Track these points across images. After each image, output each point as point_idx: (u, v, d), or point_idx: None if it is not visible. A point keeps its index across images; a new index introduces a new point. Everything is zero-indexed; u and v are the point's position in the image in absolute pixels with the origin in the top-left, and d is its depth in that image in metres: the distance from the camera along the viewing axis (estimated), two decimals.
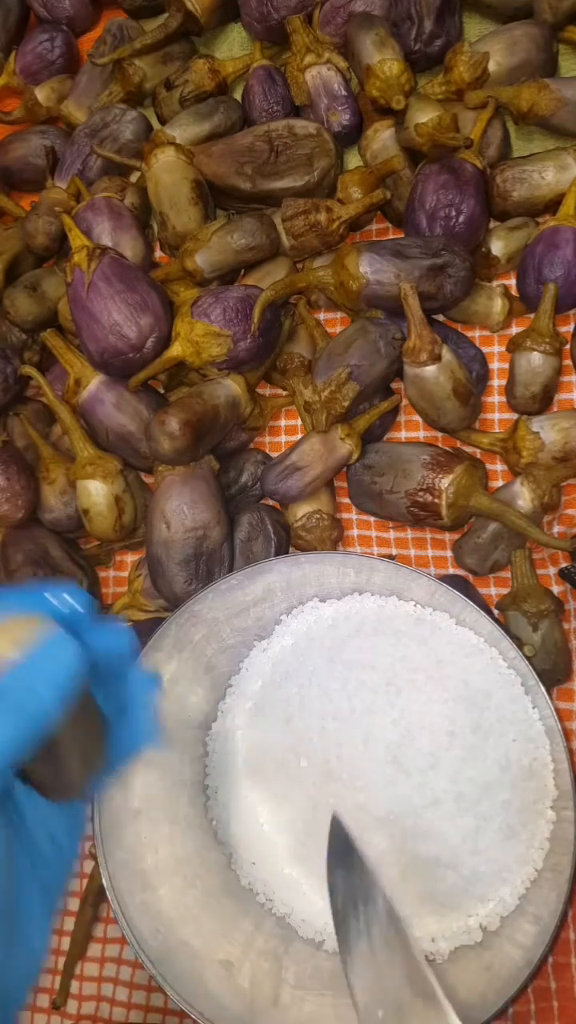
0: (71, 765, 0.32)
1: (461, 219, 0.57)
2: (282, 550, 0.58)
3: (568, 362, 0.57)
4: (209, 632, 0.54)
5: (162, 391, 0.64)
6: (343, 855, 0.42)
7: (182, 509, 0.56)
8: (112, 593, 0.64)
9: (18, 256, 0.70)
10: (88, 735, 0.32)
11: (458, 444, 0.58)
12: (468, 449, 0.58)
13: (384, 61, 0.61)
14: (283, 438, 0.63)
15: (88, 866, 0.57)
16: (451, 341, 0.57)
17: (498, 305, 0.59)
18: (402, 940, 0.39)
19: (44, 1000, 0.56)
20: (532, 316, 0.57)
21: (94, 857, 0.55)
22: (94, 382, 0.60)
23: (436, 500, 0.54)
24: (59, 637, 0.30)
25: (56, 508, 0.62)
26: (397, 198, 0.61)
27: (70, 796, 0.33)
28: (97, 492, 0.59)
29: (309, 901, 0.48)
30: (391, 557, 0.59)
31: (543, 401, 0.56)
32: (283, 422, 0.63)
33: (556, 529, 0.56)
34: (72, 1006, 0.55)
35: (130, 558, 0.65)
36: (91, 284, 0.57)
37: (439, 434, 0.59)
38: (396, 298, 0.54)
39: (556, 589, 0.55)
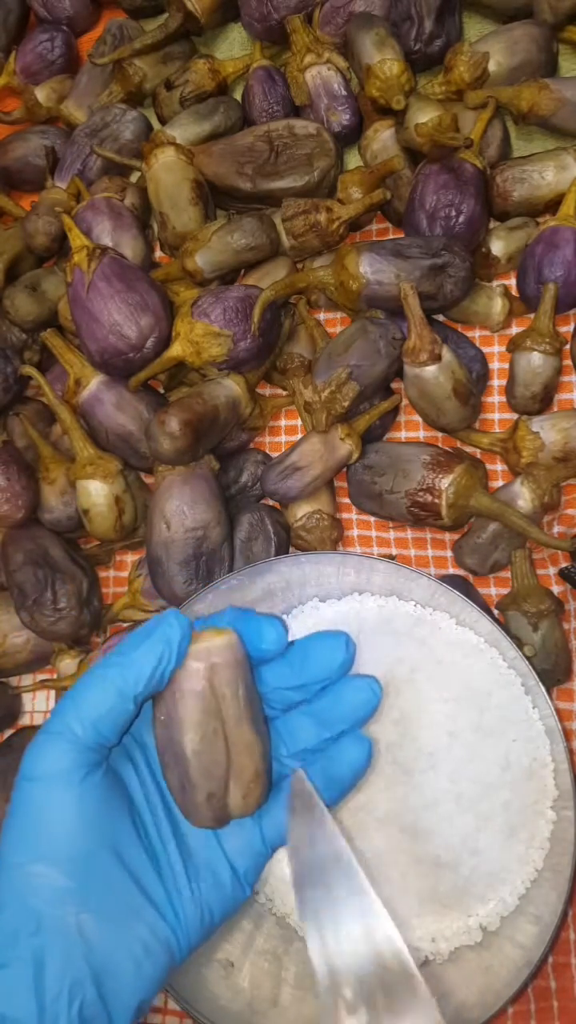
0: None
1: (461, 219, 0.57)
2: (282, 550, 0.58)
3: (568, 362, 0.57)
4: None
5: (162, 391, 0.64)
6: (305, 810, 0.40)
7: (182, 509, 0.56)
8: (112, 593, 0.65)
9: (18, 256, 0.70)
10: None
11: (458, 444, 0.58)
12: (468, 449, 0.58)
13: (384, 61, 0.61)
14: (283, 438, 0.63)
15: None
16: (451, 341, 0.57)
17: (498, 305, 0.59)
18: (369, 906, 0.38)
19: None
20: (532, 316, 0.57)
21: None
22: (94, 382, 0.60)
23: (436, 500, 0.54)
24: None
25: (56, 508, 0.62)
26: (397, 198, 0.61)
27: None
28: (97, 492, 0.59)
29: None
30: (391, 557, 0.59)
31: (543, 401, 0.56)
32: (283, 422, 0.64)
33: (556, 529, 0.56)
34: None
35: (130, 558, 0.65)
36: (91, 284, 0.57)
37: (439, 434, 0.59)
38: (396, 298, 0.54)
39: (556, 589, 0.55)
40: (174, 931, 0.35)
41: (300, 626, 0.53)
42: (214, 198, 0.66)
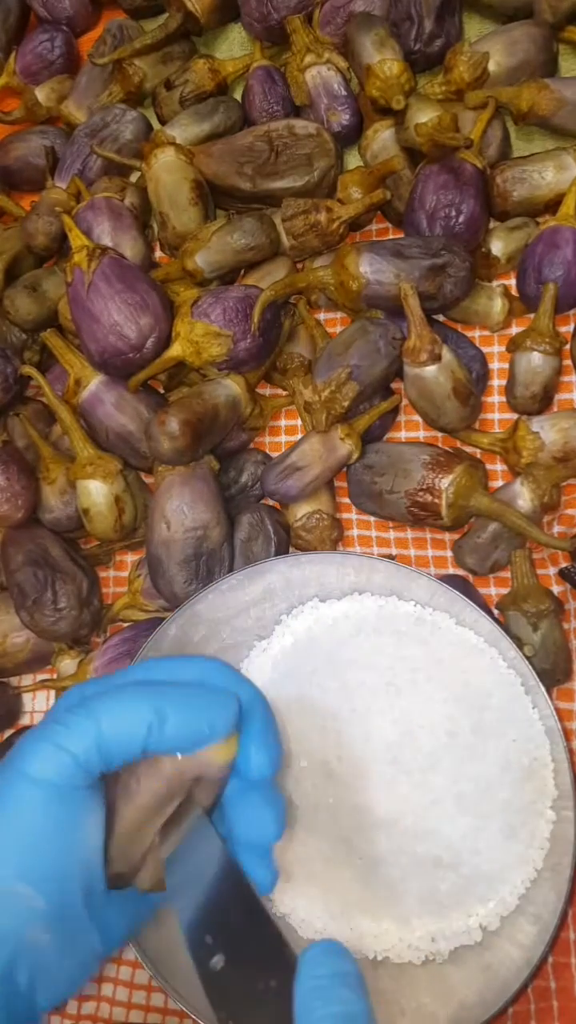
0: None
1: (461, 219, 0.57)
2: (282, 550, 0.58)
3: (568, 362, 0.57)
4: (209, 632, 0.54)
5: (162, 391, 0.64)
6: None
7: (182, 509, 0.56)
8: (112, 593, 0.65)
9: (18, 256, 0.70)
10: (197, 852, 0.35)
11: (458, 444, 0.58)
12: (468, 449, 0.58)
13: (384, 61, 0.61)
14: (283, 438, 0.63)
15: None
16: (451, 341, 0.57)
17: (498, 305, 0.59)
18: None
19: None
20: (532, 316, 0.57)
21: None
22: (94, 382, 0.60)
23: (436, 500, 0.54)
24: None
25: (56, 508, 0.62)
26: (397, 198, 0.61)
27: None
28: (97, 492, 0.59)
29: (309, 901, 0.48)
30: (391, 557, 0.59)
31: (543, 401, 0.56)
32: (283, 422, 0.63)
33: (556, 529, 0.56)
34: (72, 1006, 0.55)
35: (130, 558, 0.65)
36: (91, 284, 0.57)
37: (439, 434, 0.59)
38: (396, 298, 0.54)
39: (556, 589, 0.55)
40: (105, 947, 0.36)
41: (300, 626, 0.53)
42: (214, 198, 0.66)
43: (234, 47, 0.74)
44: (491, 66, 0.60)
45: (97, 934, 0.35)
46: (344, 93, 0.64)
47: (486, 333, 0.60)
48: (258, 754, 0.36)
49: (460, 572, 0.57)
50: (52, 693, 0.64)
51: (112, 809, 0.35)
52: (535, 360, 0.55)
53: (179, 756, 0.34)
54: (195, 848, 0.36)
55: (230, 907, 0.35)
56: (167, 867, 0.36)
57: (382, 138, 0.63)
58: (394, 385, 0.60)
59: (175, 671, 0.38)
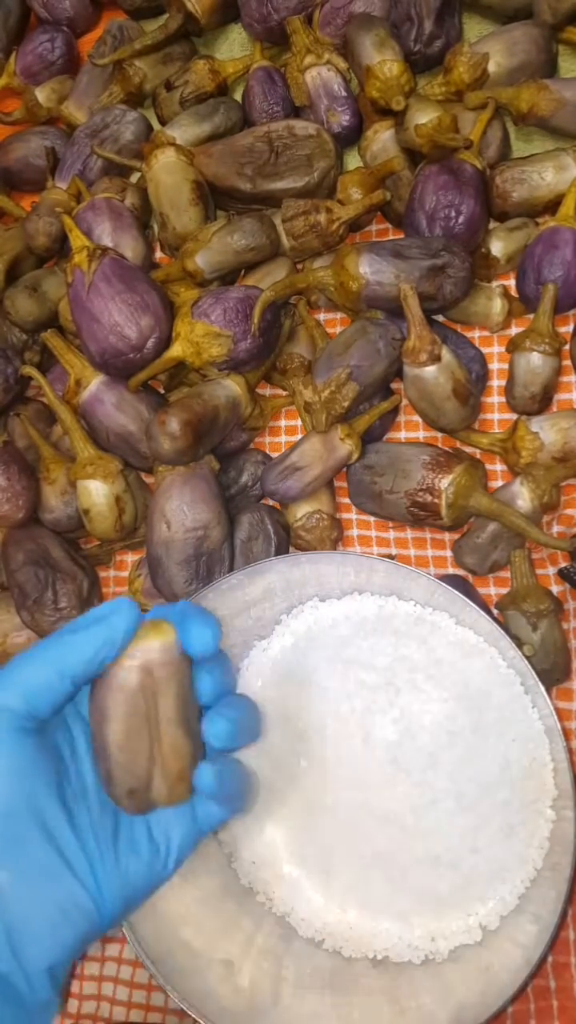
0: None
1: (461, 220, 0.57)
2: (282, 550, 0.58)
3: (567, 362, 0.57)
4: None
5: (162, 391, 0.64)
6: None
7: (182, 509, 0.56)
8: (112, 593, 0.65)
9: (19, 256, 0.70)
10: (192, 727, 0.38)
11: (458, 444, 0.59)
12: (468, 449, 0.58)
13: (384, 62, 0.61)
14: (283, 438, 0.63)
15: None
16: (451, 341, 0.57)
17: (498, 305, 0.59)
18: None
19: None
20: (532, 316, 0.57)
21: None
22: (94, 382, 0.60)
23: (436, 500, 0.54)
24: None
25: (56, 508, 0.62)
26: (397, 199, 0.62)
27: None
28: (97, 492, 0.59)
29: (309, 900, 0.48)
30: (391, 557, 0.59)
31: (543, 401, 0.56)
32: (283, 422, 0.64)
33: (555, 529, 0.56)
34: (72, 1005, 0.56)
35: (130, 558, 0.65)
36: (91, 285, 0.57)
37: (439, 434, 0.59)
38: (396, 298, 0.54)
39: (555, 589, 0.55)
40: (95, 900, 0.36)
41: (300, 625, 0.53)
42: (214, 199, 0.66)
43: (234, 48, 0.74)
44: (491, 67, 0.61)
45: (71, 875, 0.35)
46: (344, 94, 0.65)
47: (486, 333, 0.60)
48: (196, 629, 0.37)
49: (460, 572, 0.57)
50: None
51: (98, 734, 0.37)
52: (535, 360, 0.55)
53: (115, 659, 0.36)
54: None
55: None
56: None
57: (382, 139, 0.63)
58: (394, 385, 0.60)
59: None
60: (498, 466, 0.58)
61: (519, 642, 0.51)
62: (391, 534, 0.59)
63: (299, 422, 0.62)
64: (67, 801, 0.36)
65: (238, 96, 0.71)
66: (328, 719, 0.49)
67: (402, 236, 0.61)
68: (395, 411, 0.60)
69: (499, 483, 0.57)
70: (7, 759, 0.35)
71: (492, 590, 0.56)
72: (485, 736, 0.47)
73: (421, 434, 0.60)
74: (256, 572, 0.53)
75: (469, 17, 0.67)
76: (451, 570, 0.57)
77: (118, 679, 0.36)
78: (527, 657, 0.49)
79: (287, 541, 0.58)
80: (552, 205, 0.59)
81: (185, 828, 0.39)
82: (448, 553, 0.58)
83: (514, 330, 0.59)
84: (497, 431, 0.58)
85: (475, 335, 0.60)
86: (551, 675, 0.52)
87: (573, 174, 0.58)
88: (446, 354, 0.54)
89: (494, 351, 0.60)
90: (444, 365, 0.54)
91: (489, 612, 0.52)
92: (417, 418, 0.59)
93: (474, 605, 0.50)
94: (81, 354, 0.61)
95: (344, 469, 0.59)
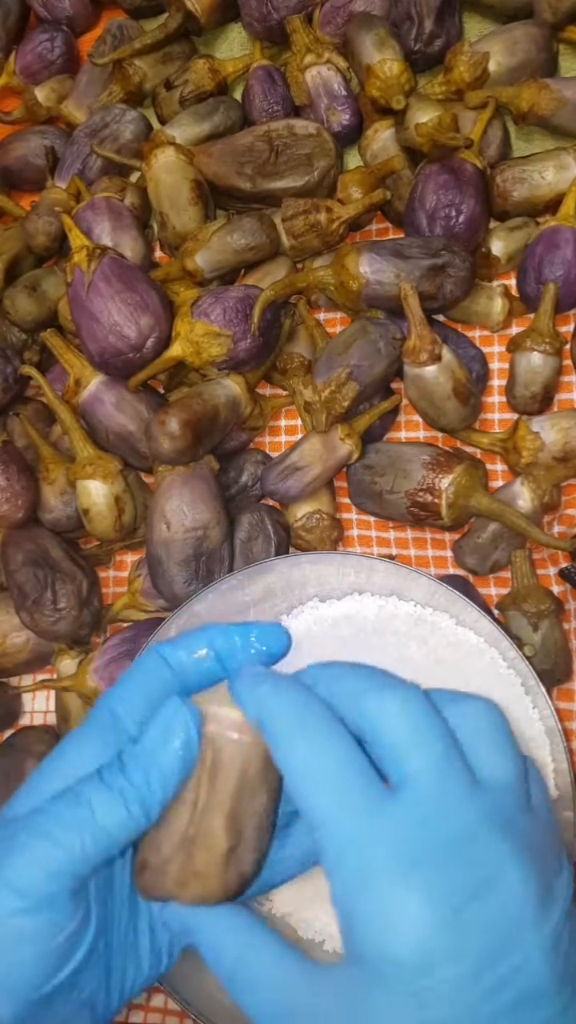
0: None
1: (461, 219, 0.57)
2: (282, 550, 0.58)
3: (568, 362, 0.57)
4: None
5: (162, 391, 0.64)
6: None
7: (182, 509, 0.56)
8: (112, 593, 0.65)
9: (18, 256, 0.70)
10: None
11: (458, 444, 0.58)
12: (468, 449, 0.58)
13: (384, 61, 0.61)
14: (283, 438, 0.63)
15: None
16: (451, 341, 0.57)
17: (498, 305, 0.59)
18: None
19: None
20: (532, 316, 0.57)
21: None
22: (94, 382, 0.60)
23: (436, 500, 0.54)
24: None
25: (56, 508, 0.62)
26: (397, 198, 0.61)
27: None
28: (97, 492, 0.59)
29: (309, 901, 0.48)
30: (391, 557, 0.59)
31: (543, 401, 0.56)
32: (283, 422, 0.63)
33: (556, 529, 0.56)
34: None
35: (130, 558, 0.65)
36: (91, 284, 0.57)
37: (439, 434, 0.59)
38: (396, 298, 0.54)
39: (556, 589, 0.55)
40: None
41: (300, 626, 0.53)
42: (214, 198, 0.66)
43: (234, 47, 0.74)
44: (491, 66, 0.61)
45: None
46: (344, 93, 0.64)
47: (486, 333, 0.60)
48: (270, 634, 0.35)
49: (460, 572, 0.57)
50: (52, 693, 0.64)
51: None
52: (535, 360, 0.55)
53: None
54: None
55: None
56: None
57: (382, 138, 0.63)
58: (394, 385, 0.60)
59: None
60: (498, 466, 0.58)
61: (520, 642, 0.51)
62: (391, 534, 0.59)
63: (299, 422, 0.62)
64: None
65: (238, 95, 0.71)
66: None
67: (402, 235, 0.61)
68: (395, 411, 0.60)
69: (500, 483, 0.57)
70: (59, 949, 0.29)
71: (493, 590, 0.56)
72: None
73: (421, 434, 0.60)
74: (256, 572, 0.53)
75: (469, 16, 0.67)
76: (451, 570, 0.57)
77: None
78: (528, 658, 0.49)
79: (287, 541, 0.58)
80: (553, 204, 0.58)
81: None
82: (448, 553, 0.58)
83: (515, 330, 0.59)
84: (498, 431, 0.58)
85: (475, 335, 0.60)
86: (552, 675, 0.52)
87: (574, 173, 0.58)
88: (446, 354, 0.54)
89: (495, 351, 0.60)
90: (444, 365, 0.54)
91: (490, 612, 0.52)
92: (417, 418, 0.59)
93: (475, 606, 0.50)
94: (80, 354, 0.61)
95: (344, 469, 0.59)
